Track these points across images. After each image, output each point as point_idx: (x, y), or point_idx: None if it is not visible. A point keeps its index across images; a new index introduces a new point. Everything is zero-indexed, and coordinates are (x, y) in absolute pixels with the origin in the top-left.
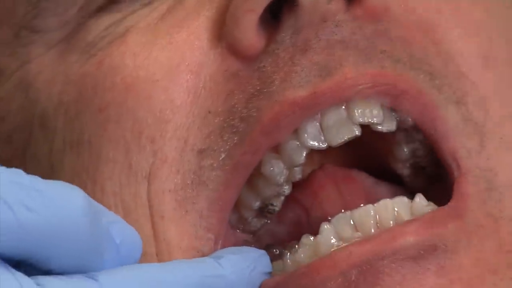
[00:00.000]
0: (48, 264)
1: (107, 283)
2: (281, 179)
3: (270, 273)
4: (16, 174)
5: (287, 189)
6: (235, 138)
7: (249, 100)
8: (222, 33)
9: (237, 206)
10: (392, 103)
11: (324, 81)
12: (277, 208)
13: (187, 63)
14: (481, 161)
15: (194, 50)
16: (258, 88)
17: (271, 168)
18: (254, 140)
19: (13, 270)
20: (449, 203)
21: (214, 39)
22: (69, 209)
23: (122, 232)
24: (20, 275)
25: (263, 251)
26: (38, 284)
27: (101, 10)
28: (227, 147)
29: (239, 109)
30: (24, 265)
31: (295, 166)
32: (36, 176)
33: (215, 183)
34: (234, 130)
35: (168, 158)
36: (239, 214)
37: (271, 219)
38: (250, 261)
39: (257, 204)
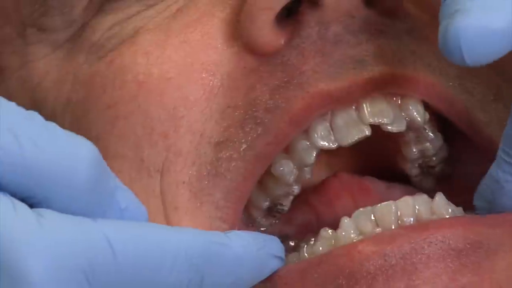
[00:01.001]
0: (50, 207)
1: (106, 228)
2: (291, 179)
3: (282, 259)
4: (32, 114)
5: (296, 189)
6: (259, 129)
7: (274, 91)
8: (238, 32)
9: (246, 205)
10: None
11: (359, 74)
12: (286, 208)
13: (201, 62)
14: None
15: (208, 49)
16: (285, 80)
17: (281, 168)
18: (281, 130)
19: (12, 198)
20: None
21: (230, 39)
22: (75, 155)
23: (129, 200)
24: (16, 201)
25: (276, 237)
26: (34, 211)
27: (103, 9)
28: (249, 138)
29: (263, 100)
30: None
31: (305, 166)
32: (54, 123)
33: (234, 173)
34: (258, 121)
35: (183, 152)
36: (248, 214)
37: (280, 220)
38: (259, 240)
39: (266, 204)
